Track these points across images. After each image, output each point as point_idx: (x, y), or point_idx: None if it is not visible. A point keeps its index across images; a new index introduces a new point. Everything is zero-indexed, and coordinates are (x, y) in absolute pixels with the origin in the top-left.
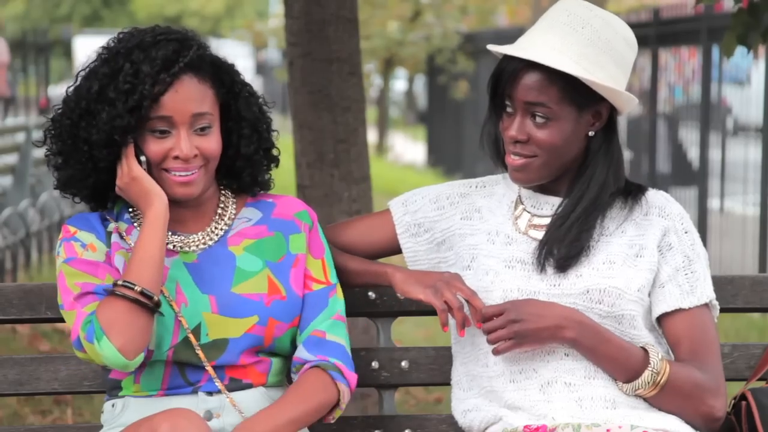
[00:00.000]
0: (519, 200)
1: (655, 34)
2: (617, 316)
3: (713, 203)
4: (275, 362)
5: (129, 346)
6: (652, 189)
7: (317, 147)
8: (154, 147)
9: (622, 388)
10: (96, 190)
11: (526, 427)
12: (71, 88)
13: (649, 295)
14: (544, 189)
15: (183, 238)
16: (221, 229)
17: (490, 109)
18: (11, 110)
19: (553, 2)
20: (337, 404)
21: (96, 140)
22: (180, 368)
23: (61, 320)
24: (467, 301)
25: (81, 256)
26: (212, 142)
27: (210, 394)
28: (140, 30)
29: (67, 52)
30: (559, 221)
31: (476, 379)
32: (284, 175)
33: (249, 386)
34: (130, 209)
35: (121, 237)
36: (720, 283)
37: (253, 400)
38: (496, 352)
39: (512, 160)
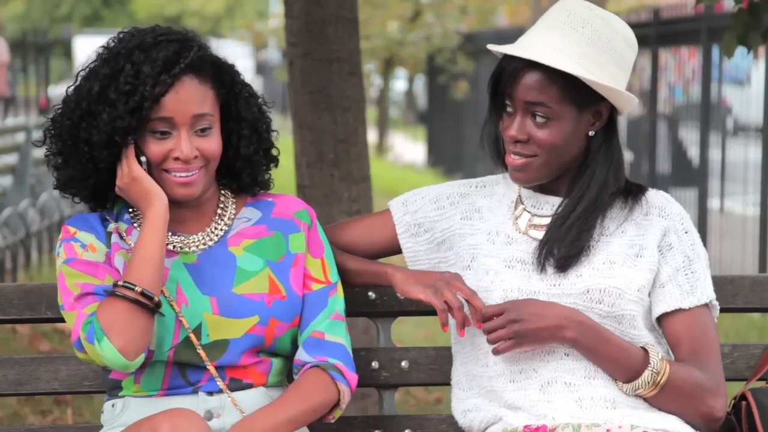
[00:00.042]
0: (519, 200)
1: (655, 34)
2: (617, 316)
3: (713, 203)
4: (276, 362)
5: (129, 346)
6: (652, 189)
7: (317, 147)
8: (155, 148)
9: (622, 388)
10: (96, 190)
11: (526, 427)
12: (71, 88)
13: (649, 295)
14: (544, 189)
15: (183, 238)
16: (221, 230)
17: (490, 108)
18: (11, 110)
19: (553, 2)
20: (337, 404)
21: (97, 141)
22: (180, 368)
23: (61, 320)
24: (467, 301)
25: (81, 257)
26: (212, 143)
27: (210, 394)
28: (140, 30)
29: (67, 52)
30: (560, 221)
31: (476, 379)
32: (284, 175)
33: (249, 386)
34: (130, 209)
35: (121, 237)
36: (720, 283)
37: (253, 400)
38: (496, 352)
39: (512, 159)
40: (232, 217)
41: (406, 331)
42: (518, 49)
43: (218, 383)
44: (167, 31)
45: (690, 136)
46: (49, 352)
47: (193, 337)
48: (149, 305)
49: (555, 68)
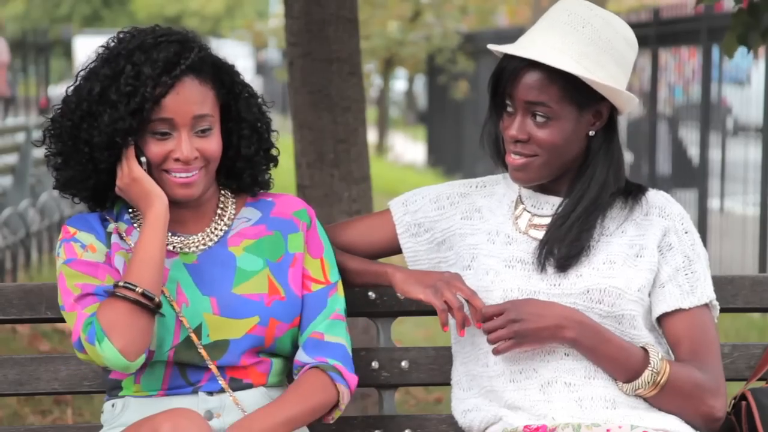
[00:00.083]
0: (519, 200)
1: (655, 34)
2: (617, 316)
3: (713, 203)
4: (276, 362)
5: (130, 347)
6: (652, 189)
7: (317, 147)
8: (155, 148)
9: (622, 388)
10: (96, 190)
11: (526, 427)
12: (71, 89)
13: (649, 295)
14: (544, 189)
15: (183, 239)
16: (221, 230)
17: (490, 108)
18: (11, 110)
19: (553, 2)
20: (336, 405)
21: (97, 142)
22: (180, 368)
23: (61, 320)
24: (467, 301)
25: (81, 257)
26: (213, 144)
27: (210, 393)
28: (141, 30)
29: (67, 52)
30: (560, 221)
31: (476, 378)
32: (284, 175)
33: (249, 386)
34: (130, 209)
35: (121, 237)
36: (720, 283)
37: (253, 400)
38: (496, 352)
39: (513, 159)
40: (232, 217)
41: (406, 331)
42: (518, 48)
43: (220, 382)
44: (167, 32)
45: (690, 136)
46: (49, 352)
47: (194, 336)
48: (150, 306)
49: (555, 68)
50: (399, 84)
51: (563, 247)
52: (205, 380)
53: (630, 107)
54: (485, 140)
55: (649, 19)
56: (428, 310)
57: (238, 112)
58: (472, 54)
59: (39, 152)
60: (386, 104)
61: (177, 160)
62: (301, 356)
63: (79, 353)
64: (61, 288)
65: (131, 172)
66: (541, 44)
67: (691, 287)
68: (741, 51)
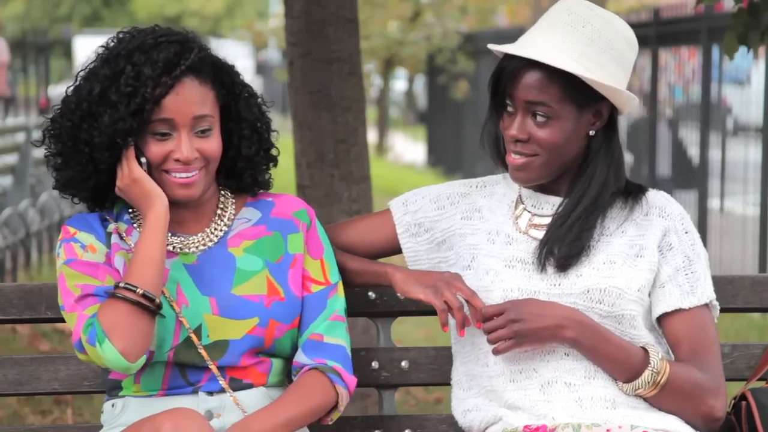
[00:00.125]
0: (519, 200)
1: (655, 34)
2: (617, 315)
3: (713, 203)
4: (276, 362)
5: (131, 348)
6: (652, 189)
7: (317, 147)
8: (155, 149)
9: (623, 388)
10: (96, 191)
11: (526, 427)
12: (71, 89)
13: (649, 295)
14: (544, 188)
15: (183, 239)
16: (221, 230)
17: (490, 108)
18: (11, 110)
19: (553, 2)
20: (335, 406)
21: (97, 143)
22: (180, 369)
23: (61, 320)
24: (467, 301)
25: (81, 258)
26: (213, 144)
27: (210, 393)
28: (140, 31)
29: (67, 52)
30: (560, 221)
31: (476, 378)
32: (284, 175)
33: (249, 386)
34: (130, 210)
35: (121, 238)
36: (720, 283)
37: (253, 399)
38: (496, 352)
39: (513, 159)
40: (232, 217)
41: (406, 331)
42: (519, 48)
43: (220, 382)
44: (167, 32)
45: (690, 137)
46: (49, 352)
47: (194, 337)
48: (150, 307)
49: (555, 67)
50: (399, 84)
51: (563, 247)
52: (205, 380)
53: (630, 107)
54: (485, 140)
55: (649, 19)
56: (428, 310)
57: (238, 112)
58: (472, 54)
59: (39, 152)
60: (386, 104)
61: (177, 160)
62: (300, 357)
63: (80, 354)
64: (62, 288)
65: (131, 173)
66: (542, 44)
67: (691, 287)
68: (741, 51)
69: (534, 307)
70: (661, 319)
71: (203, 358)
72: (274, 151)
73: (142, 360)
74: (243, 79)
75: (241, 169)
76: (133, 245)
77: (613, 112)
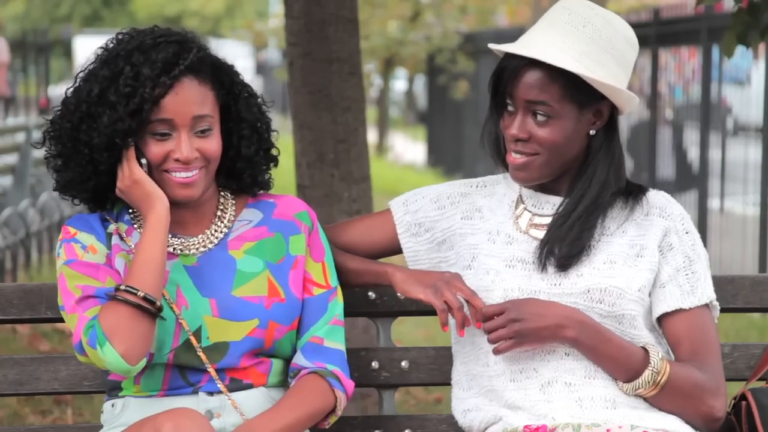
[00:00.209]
0: (520, 200)
1: (655, 34)
2: (618, 315)
3: (713, 203)
4: (275, 363)
5: (131, 351)
6: (652, 189)
7: (317, 147)
8: (155, 149)
9: (623, 388)
10: (96, 192)
11: (526, 427)
12: (70, 90)
13: (650, 295)
14: (544, 188)
15: (183, 240)
16: (221, 232)
17: (491, 107)
18: (11, 110)
19: (554, 1)
20: (333, 410)
21: (97, 143)
22: (180, 370)
23: (61, 320)
24: (467, 301)
25: (81, 258)
26: (213, 144)
27: (210, 394)
28: (139, 31)
29: (67, 52)
30: (560, 220)
31: (476, 378)
32: (284, 175)
33: (249, 386)
34: (130, 210)
35: (121, 238)
36: (720, 283)
37: (253, 400)
38: (496, 352)
39: (513, 158)
40: (232, 219)
41: (406, 331)
42: (519, 47)
43: (218, 385)
44: (166, 32)
45: (690, 137)
46: (49, 352)
47: (193, 339)
48: (151, 310)
49: (556, 67)
50: (399, 84)
51: (564, 247)
52: (205, 381)
53: (630, 106)
54: (486, 140)
55: (649, 19)
56: (428, 310)
57: (238, 112)
58: (472, 54)
59: (39, 152)
60: (386, 104)
61: (177, 160)
62: (299, 360)
63: (80, 356)
64: (62, 289)
65: (132, 174)
66: (542, 43)
67: (692, 287)
68: (741, 51)
69: (534, 306)
70: (661, 319)
71: (202, 360)
72: (274, 151)
73: (143, 362)
74: (243, 79)
75: (241, 169)
76: (133, 246)
77: (614, 111)
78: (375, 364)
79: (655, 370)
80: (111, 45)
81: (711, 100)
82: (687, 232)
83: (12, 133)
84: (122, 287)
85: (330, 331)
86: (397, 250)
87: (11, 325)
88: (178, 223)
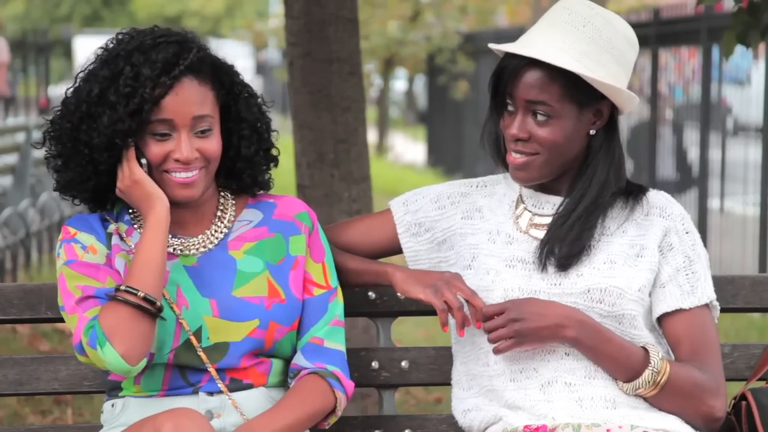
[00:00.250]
0: (520, 199)
1: (655, 34)
2: (618, 315)
3: (713, 203)
4: (276, 363)
5: (132, 352)
6: (652, 189)
7: (317, 147)
8: (155, 149)
9: (623, 388)
10: (96, 192)
11: (526, 427)
12: (70, 90)
13: (650, 295)
14: (545, 188)
15: (183, 241)
16: (221, 232)
17: (491, 107)
18: (11, 110)
19: (554, 1)
20: (333, 411)
21: (97, 144)
22: (180, 370)
23: (61, 320)
24: (467, 301)
25: (81, 259)
26: (213, 144)
27: (210, 394)
28: (139, 31)
29: (67, 52)
30: (561, 220)
31: (476, 378)
32: (284, 175)
33: (249, 386)
34: (130, 210)
35: (122, 239)
36: (720, 283)
37: (254, 400)
38: (496, 351)
39: (513, 158)
40: (232, 219)
41: (406, 331)
42: (519, 47)
43: (219, 385)
44: (166, 33)
45: (690, 137)
46: (49, 352)
47: (193, 339)
48: (151, 310)
49: (556, 66)
50: (399, 84)
51: (564, 247)
52: (205, 381)
53: (631, 106)
54: (486, 139)
55: (649, 19)
56: (428, 310)
57: (238, 112)
58: (472, 54)
59: (39, 152)
60: (386, 104)
61: (177, 160)
62: (299, 360)
63: (80, 356)
64: (62, 289)
65: (132, 174)
66: (542, 43)
67: (692, 287)
68: (741, 51)
69: (534, 306)
70: (661, 319)
71: (203, 360)
72: (274, 151)
73: (143, 363)
74: (243, 79)
75: (241, 170)
76: (133, 246)
77: (614, 111)
78: (375, 364)
79: (655, 370)
80: (111, 45)
81: (711, 100)
82: (687, 232)
83: (12, 133)
84: (122, 287)
85: (330, 332)
86: (398, 250)
87: (11, 325)
88: (178, 223)
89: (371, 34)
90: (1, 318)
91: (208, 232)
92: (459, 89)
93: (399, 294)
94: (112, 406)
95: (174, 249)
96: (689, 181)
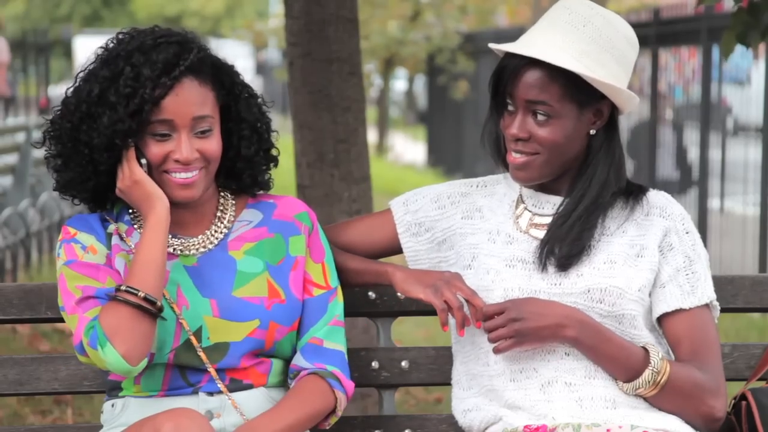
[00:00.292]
0: (520, 199)
1: (655, 34)
2: (618, 315)
3: (713, 203)
4: (276, 363)
5: (132, 352)
6: (653, 189)
7: (317, 147)
8: (155, 149)
9: (623, 388)
10: (96, 192)
11: (526, 427)
12: (70, 90)
13: (650, 295)
14: (545, 188)
15: (183, 241)
16: (221, 232)
17: (491, 107)
18: (11, 110)
19: (554, 1)
20: (333, 411)
21: (97, 144)
22: (180, 370)
23: (61, 320)
24: (467, 301)
25: (81, 259)
26: (213, 144)
27: (210, 394)
28: (140, 31)
29: (67, 52)
30: (561, 220)
31: (476, 378)
32: (284, 175)
33: (249, 387)
34: (130, 210)
35: (122, 239)
36: (720, 283)
37: (254, 400)
38: (496, 351)
39: (514, 158)
40: (232, 219)
41: (406, 331)
42: (519, 47)
43: (219, 385)
44: (166, 33)
45: (690, 137)
46: (49, 352)
47: (193, 339)
48: (152, 310)
49: (556, 66)
50: (399, 84)
51: (564, 247)
52: (205, 381)
53: (631, 106)
54: (486, 139)
55: (649, 19)
56: (428, 310)
57: (238, 112)
58: (472, 54)
59: (39, 152)
60: (386, 104)
61: (177, 161)
62: (299, 361)
63: (81, 356)
64: (62, 289)
65: (132, 175)
66: (542, 43)
67: (692, 287)
68: (741, 51)
69: (534, 306)
70: (661, 319)
71: (203, 360)
72: (274, 152)
73: (144, 363)
74: (243, 80)
75: (241, 170)
76: (133, 246)
77: (614, 111)
78: (375, 364)
79: (655, 369)
80: (111, 45)
81: (711, 100)
82: (687, 232)
83: (12, 133)
84: (123, 288)
85: (330, 332)
86: (398, 249)
87: (11, 325)
88: (178, 223)
89: (371, 34)
90: (1, 318)
91: (208, 233)
92: (459, 89)
93: (399, 294)
94: (112, 406)
95: (174, 249)
96: (689, 181)
